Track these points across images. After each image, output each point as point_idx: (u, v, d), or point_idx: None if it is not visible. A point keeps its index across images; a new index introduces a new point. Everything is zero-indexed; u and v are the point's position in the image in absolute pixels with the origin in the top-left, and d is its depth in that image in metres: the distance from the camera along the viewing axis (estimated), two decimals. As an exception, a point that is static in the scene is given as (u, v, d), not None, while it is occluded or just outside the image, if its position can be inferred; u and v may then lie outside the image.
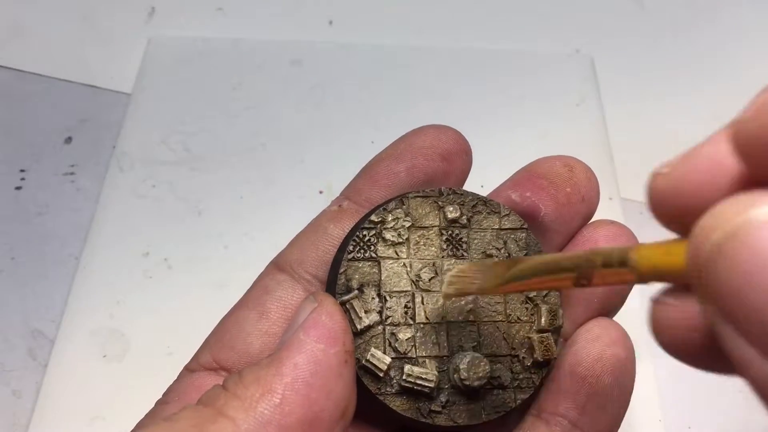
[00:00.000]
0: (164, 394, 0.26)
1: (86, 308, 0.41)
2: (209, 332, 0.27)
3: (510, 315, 0.26)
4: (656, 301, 0.16)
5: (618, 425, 0.26)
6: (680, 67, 0.54)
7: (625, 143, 0.49)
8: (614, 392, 0.26)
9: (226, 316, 0.27)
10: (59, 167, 0.47)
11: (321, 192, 0.46)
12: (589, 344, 0.26)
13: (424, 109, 0.50)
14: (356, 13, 0.55)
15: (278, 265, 0.27)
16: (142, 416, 0.24)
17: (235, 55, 0.52)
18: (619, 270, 0.17)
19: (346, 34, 0.54)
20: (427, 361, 0.25)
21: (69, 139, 0.48)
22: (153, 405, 0.25)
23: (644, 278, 0.17)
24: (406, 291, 0.25)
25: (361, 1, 0.56)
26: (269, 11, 0.55)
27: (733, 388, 0.40)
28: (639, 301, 0.35)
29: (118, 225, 0.44)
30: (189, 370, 0.26)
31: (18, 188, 0.46)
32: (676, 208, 0.15)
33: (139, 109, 0.49)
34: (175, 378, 0.26)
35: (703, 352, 0.16)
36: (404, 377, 0.24)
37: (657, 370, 0.41)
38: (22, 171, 0.46)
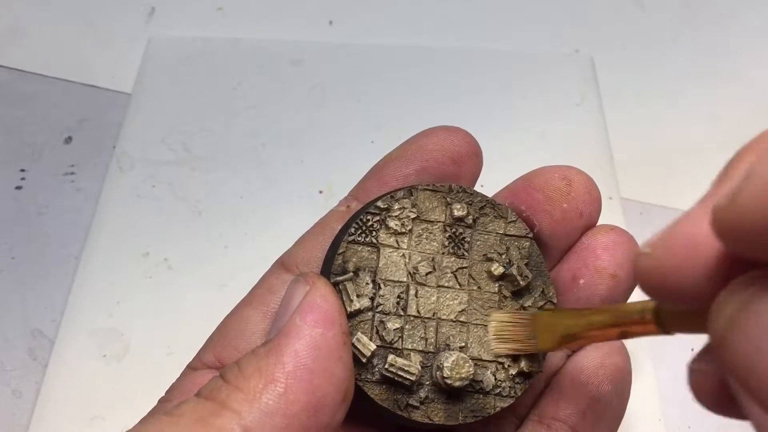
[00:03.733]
0: (167, 392, 0.26)
1: (86, 308, 0.41)
2: (209, 332, 0.27)
3: None
4: (691, 370, 0.17)
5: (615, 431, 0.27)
6: (680, 67, 0.54)
7: (625, 143, 0.49)
8: (613, 399, 0.26)
9: (229, 314, 0.27)
10: (59, 167, 0.47)
11: (321, 192, 0.46)
12: (591, 353, 0.27)
13: (424, 109, 0.50)
14: (356, 13, 0.55)
15: (284, 264, 0.27)
16: (142, 416, 0.24)
17: (235, 55, 0.52)
18: (647, 326, 0.19)
19: (346, 34, 0.54)
20: (412, 354, 0.25)
21: (69, 139, 0.48)
22: (154, 405, 0.25)
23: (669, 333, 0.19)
24: (401, 282, 0.25)
25: (361, 1, 0.56)
26: (269, 11, 0.55)
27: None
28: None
29: (118, 225, 0.44)
30: (192, 368, 0.26)
31: (18, 188, 0.46)
32: (663, 285, 0.16)
33: (139, 109, 0.49)
34: (177, 377, 0.26)
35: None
36: (386, 366, 0.24)
37: (657, 370, 0.41)
38: (22, 171, 0.46)
